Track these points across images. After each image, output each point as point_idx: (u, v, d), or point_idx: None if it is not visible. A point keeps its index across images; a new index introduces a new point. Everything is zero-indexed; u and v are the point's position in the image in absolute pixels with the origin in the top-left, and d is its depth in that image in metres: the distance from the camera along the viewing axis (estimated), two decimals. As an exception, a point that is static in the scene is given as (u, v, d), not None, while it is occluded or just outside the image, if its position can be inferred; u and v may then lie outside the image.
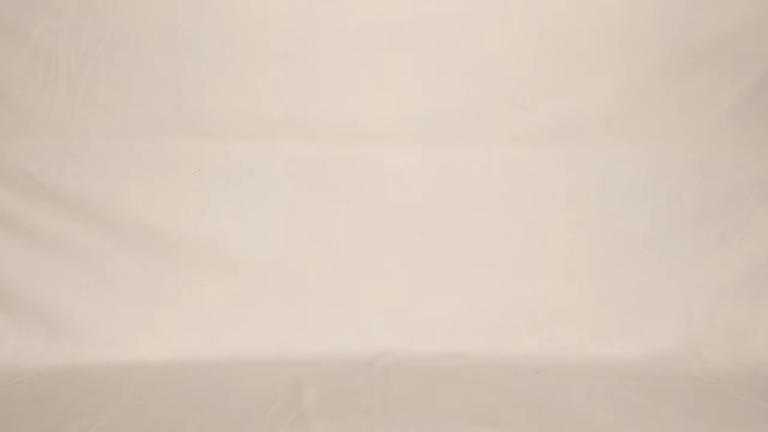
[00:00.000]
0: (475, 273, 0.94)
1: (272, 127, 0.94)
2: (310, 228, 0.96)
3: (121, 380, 0.86)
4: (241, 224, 0.95)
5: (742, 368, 0.90)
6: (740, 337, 0.92)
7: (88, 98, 0.93)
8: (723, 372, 0.89)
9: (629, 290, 0.94)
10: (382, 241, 0.96)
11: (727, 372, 0.89)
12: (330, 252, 0.96)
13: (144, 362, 0.91)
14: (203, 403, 0.80)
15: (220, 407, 0.79)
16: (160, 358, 0.91)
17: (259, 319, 0.95)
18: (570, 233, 0.95)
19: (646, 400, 0.83)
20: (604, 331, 0.93)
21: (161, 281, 0.94)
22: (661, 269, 0.94)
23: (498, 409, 0.78)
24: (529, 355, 0.91)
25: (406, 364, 0.90)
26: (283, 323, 0.95)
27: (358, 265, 0.96)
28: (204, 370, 0.89)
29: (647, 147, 0.94)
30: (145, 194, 0.95)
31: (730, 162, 0.93)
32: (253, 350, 0.93)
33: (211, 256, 0.94)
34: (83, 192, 0.94)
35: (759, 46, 0.91)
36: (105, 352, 0.93)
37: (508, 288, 0.95)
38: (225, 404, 0.79)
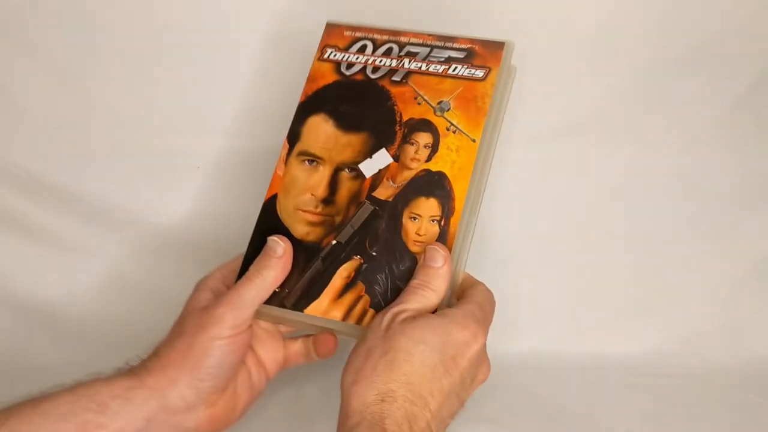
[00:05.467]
0: (475, 272, 0.94)
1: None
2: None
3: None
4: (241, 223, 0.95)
5: (741, 366, 0.90)
6: (740, 334, 0.93)
7: (88, 96, 0.93)
8: (722, 369, 0.90)
9: (628, 288, 0.94)
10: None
11: (726, 369, 0.90)
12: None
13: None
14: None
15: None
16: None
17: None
18: (568, 231, 0.95)
19: (646, 398, 0.83)
20: (604, 328, 0.93)
21: (162, 280, 0.94)
22: (660, 268, 0.94)
23: (498, 408, 0.78)
24: (528, 352, 0.92)
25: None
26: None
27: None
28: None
29: (644, 147, 0.94)
30: (145, 193, 0.95)
31: (727, 162, 0.94)
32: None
33: (211, 255, 0.94)
34: (83, 191, 0.94)
35: (757, 46, 0.92)
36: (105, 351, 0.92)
37: (507, 286, 0.95)
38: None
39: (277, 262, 0.65)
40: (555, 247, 0.94)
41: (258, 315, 0.68)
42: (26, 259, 0.95)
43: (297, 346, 0.73)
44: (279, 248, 0.65)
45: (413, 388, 0.54)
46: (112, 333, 0.94)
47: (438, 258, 0.63)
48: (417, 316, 0.59)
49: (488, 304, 0.63)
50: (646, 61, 0.92)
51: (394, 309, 0.61)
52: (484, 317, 0.61)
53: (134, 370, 0.63)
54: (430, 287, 0.61)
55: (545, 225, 0.94)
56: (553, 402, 0.82)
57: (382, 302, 0.66)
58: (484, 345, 0.60)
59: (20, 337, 0.93)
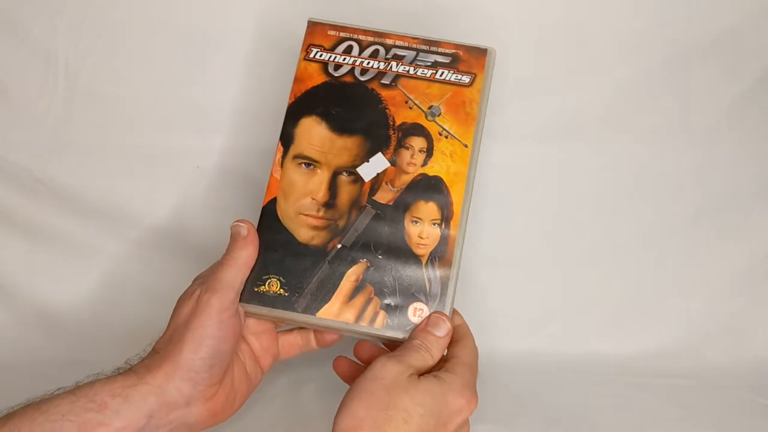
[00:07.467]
0: (475, 271, 0.94)
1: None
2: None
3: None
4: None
5: (741, 366, 0.90)
6: (740, 334, 0.93)
7: (87, 94, 0.93)
8: (723, 369, 0.90)
9: (628, 288, 0.94)
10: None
11: (726, 369, 0.90)
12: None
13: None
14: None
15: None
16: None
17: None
18: (569, 230, 0.95)
19: (646, 398, 0.84)
20: (604, 328, 0.94)
21: (161, 279, 0.94)
22: (661, 267, 0.94)
23: (498, 407, 0.78)
24: (528, 352, 0.92)
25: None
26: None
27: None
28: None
29: (645, 145, 0.94)
30: (144, 193, 0.95)
31: (729, 159, 0.94)
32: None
33: (212, 254, 0.94)
34: (83, 191, 0.94)
35: (759, 43, 0.92)
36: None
37: (508, 287, 0.95)
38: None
39: (245, 242, 0.67)
40: (555, 247, 0.95)
41: (270, 319, 0.70)
42: (26, 259, 0.94)
43: (292, 338, 0.74)
44: (243, 230, 0.68)
45: None
46: (111, 332, 0.93)
47: (442, 328, 0.66)
48: (420, 377, 0.62)
49: (476, 361, 0.67)
50: (650, 57, 0.93)
51: (399, 358, 0.62)
52: (475, 379, 0.65)
53: (134, 369, 0.64)
54: (429, 352, 0.64)
55: (545, 224, 0.95)
56: (553, 402, 0.82)
57: (392, 303, 0.68)
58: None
59: (20, 337, 0.93)
